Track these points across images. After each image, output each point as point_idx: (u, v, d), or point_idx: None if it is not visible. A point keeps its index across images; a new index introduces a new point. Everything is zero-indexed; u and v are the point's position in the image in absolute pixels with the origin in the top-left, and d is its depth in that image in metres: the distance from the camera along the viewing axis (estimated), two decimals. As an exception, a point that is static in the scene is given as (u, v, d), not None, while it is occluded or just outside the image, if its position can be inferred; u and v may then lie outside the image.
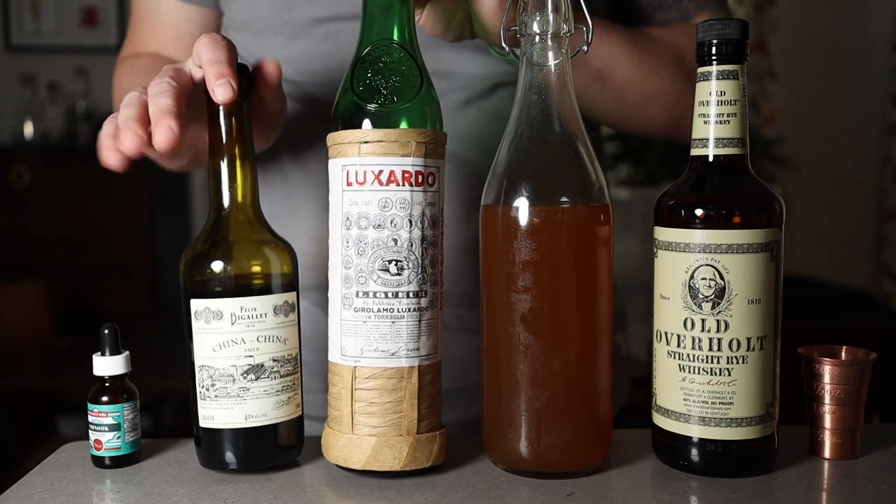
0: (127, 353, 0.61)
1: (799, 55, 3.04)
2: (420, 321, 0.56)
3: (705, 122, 0.57)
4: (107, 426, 0.59)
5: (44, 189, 2.85)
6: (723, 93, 0.56)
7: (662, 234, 0.58)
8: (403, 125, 0.56)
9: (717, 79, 0.56)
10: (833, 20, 3.08)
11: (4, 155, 2.89)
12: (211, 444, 0.58)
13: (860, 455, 0.60)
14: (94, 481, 0.58)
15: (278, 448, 0.59)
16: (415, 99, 0.56)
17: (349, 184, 0.55)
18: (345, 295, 0.56)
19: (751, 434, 0.56)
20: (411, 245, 0.55)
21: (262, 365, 0.57)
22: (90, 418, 0.60)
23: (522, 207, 0.55)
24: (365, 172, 0.55)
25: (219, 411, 0.57)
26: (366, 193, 0.55)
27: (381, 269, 0.55)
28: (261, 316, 0.57)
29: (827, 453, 0.60)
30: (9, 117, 3.10)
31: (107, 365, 0.60)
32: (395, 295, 0.55)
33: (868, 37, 3.08)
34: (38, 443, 2.09)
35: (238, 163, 0.58)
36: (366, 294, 0.55)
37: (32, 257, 2.83)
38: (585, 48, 0.59)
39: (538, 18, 0.56)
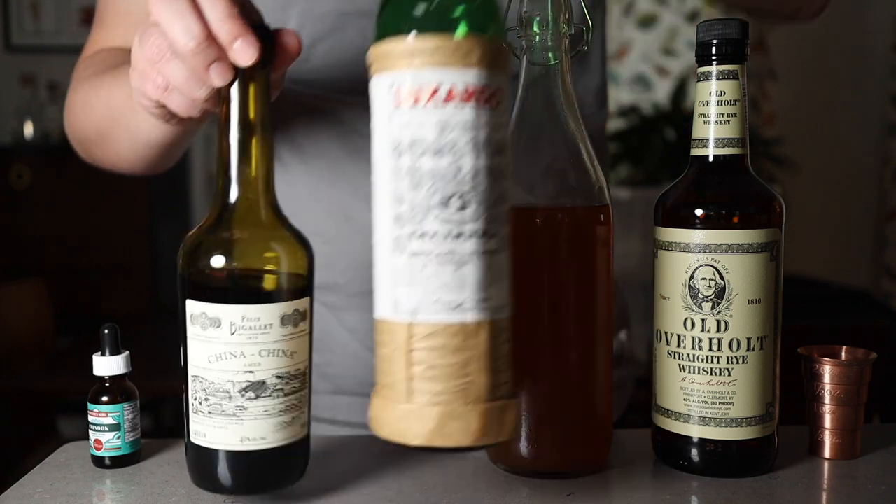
0: (127, 353, 0.61)
1: (799, 55, 3.04)
2: (489, 266, 0.46)
3: (705, 122, 0.57)
4: (107, 426, 0.59)
5: (44, 189, 2.86)
6: (723, 93, 0.56)
7: (662, 234, 0.58)
8: (461, 30, 0.46)
9: (717, 79, 0.56)
10: (833, 20, 3.07)
11: (4, 155, 2.89)
12: (201, 462, 0.52)
13: (860, 455, 0.60)
14: (94, 481, 0.58)
15: (277, 473, 0.53)
16: None
17: (398, 103, 0.46)
18: (397, 237, 0.46)
19: (751, 434, 0.56)
20: (476, 175, 0.46)
21: (264, 382, 0.50)
22: (90, 418, 0.59)
23: (522, 207, 0.55)
24: (419, 88, 0.45)
25: (212, 429, 0.51)
26: (420, 114, 0.45)
27: (441, 205, 0.46)
28: (265, 327, 0.49)
29: (827, 453, 0.60)
30: (9, 117, 3.11)
31: (107, 365, 0.60)
32: (458, 235, 0.46)
33: (868, 37, 3.08)
34: (38, 443, 2.09)
35: (254, 140, 0.50)
36: (423, 235, 0.46)
37: (32, 257, 2.84)
38: (585, 48, 0.59)
39: (538, 18, 0.56)
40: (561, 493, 0.55)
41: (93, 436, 0.60)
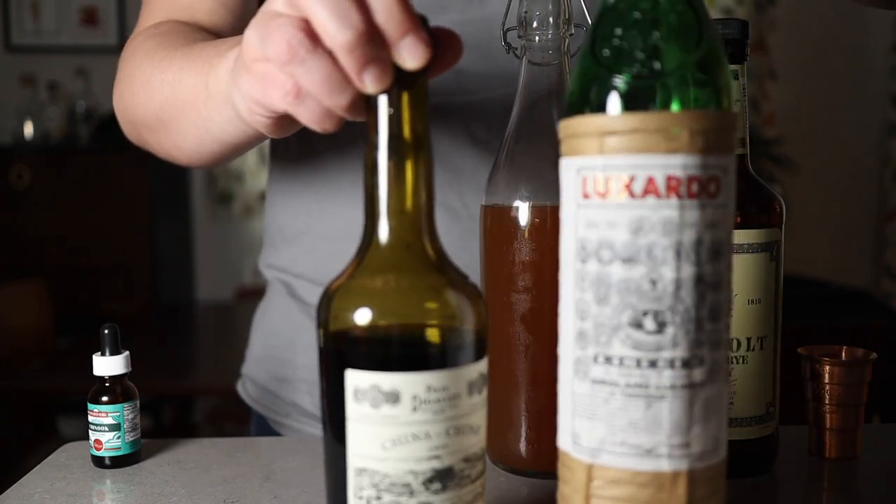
0: (127, 353, 0.61)
1: (799, 55, 3.05)
2: (692, 404, 0.37)
3: (705, 122, 0.57)
4: (107, 426, 0.59)
5: (44, 189, 2.86)
6: (723, 93, 0.56)
7: (662, 234, 0.57)
8: (675, 106, 0.37)
9: (717, 79, 0.56)
10: (833, 20, 3.08)
11: (4, 155, 2.90)
12: None
13: (860, 455, 0.60)
14: (94, 481, 0.58)
15: None
16: (690, 62, 0.37)
17: (586, 195, 0.38)
18: (578, 359, 0.39)
19: (751, 434, 0.56)
20: (678, 289, 0.37)
21: (451, 469, 0.39)
22: (90, 418, 0.60)
23: (522, 207, 0.55)
24: (608, 179, 0.37)
25: None
26: (610, 211, 0.37)
27: (632, 325, 0.37)
28: (453, 398, 0.39)
29: (827, 453, 0.60)
30: (9, 117, 3.11)
31: (107, 365, 0.60)
32: (653, 364, 0.37)
33: (868, 37, 3.09)
34: (38, 443, 2.10)
35: (410, 162, 0.39)
36: (608, 360, 0.38)
37: (32, 257, 2.84)
38: (585, 48, 0.59)
39: (538, 18, 0.56)
40: (561, 493, 0.55)
41: (93, 436, 0.60)
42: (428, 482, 0.38)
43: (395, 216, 0.39)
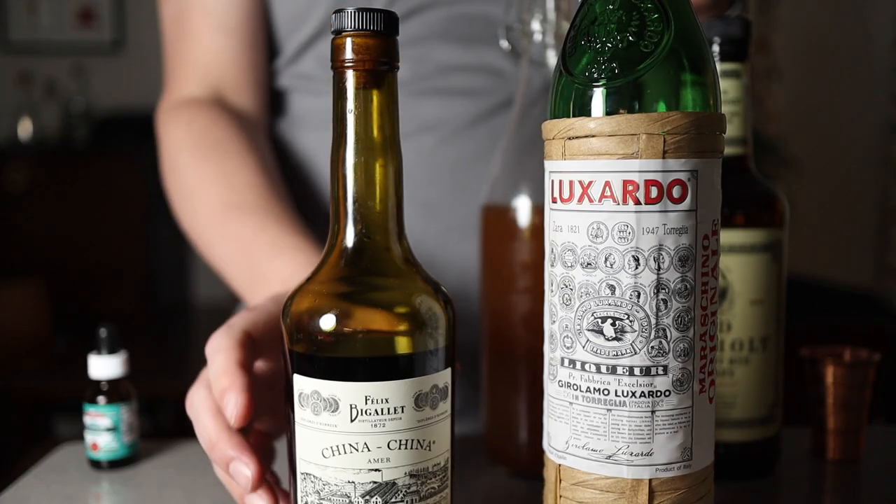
0: (124, 353, 0.60)
1: (802, 54, 3.05)
2: (653, 413, 0.37)
3: (707, 121, 0.56)
4: (104, 428, 0.59)
5: (40, 190, 2.85)
6: (725, 92, 0.55)
7: (664, 234, 0.57)
8: (638, 109, 0.37)
9: (720, 77, 0.56)
10: (836, 19, 3.08)
11: (1, 155, 2.89)
12: None
13: (863, 456, 0.60)
14: (91, 483, 0.57)
15: None
16: (655, 62, 0.36)
17: (553, 199, 0.39)
18: (550, 360, 0.40)
19: (753, 435, 0.55)
20: (637, 296, 0.36)
21: (394, 483, 0.38)
22: (87, 420, 0.59)
23: (522, 207, 0.55)
24: (571, 183, 0.37)
25: None
26: (572, 215, 0.37)
27: (592, 330, 0.37)
28: (395, 411, 0.38)
29: (830, 455, 0.60)
30: (5, 117, 3.10)
31: (104, 366, 0.59)
32: (612, 370, 0.37)
33: (871, 36, 3.09)
34: (34, 444, 2.09)
35: (379, 162, 0.39)
36: (572, 363, 0.38)
37: (30, 258, 2.83)
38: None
39: (539, 17, 0.56)
40: (562, 495, 0.54)
41: (89, 438, 0.59)
42: (367, 495, 0.38)
43: (362, 220, 0.39)
